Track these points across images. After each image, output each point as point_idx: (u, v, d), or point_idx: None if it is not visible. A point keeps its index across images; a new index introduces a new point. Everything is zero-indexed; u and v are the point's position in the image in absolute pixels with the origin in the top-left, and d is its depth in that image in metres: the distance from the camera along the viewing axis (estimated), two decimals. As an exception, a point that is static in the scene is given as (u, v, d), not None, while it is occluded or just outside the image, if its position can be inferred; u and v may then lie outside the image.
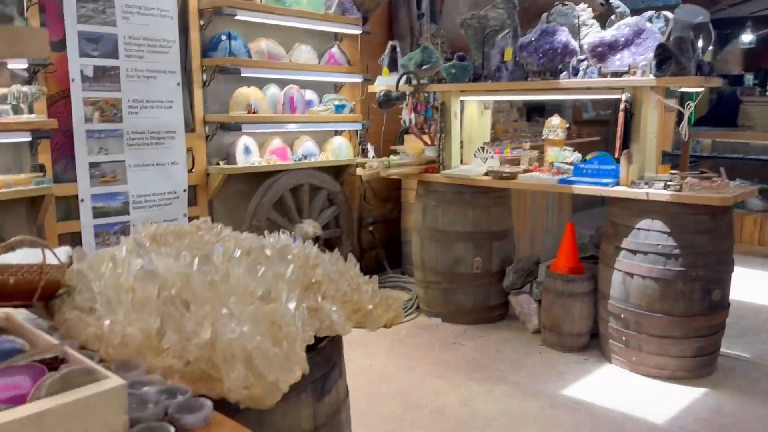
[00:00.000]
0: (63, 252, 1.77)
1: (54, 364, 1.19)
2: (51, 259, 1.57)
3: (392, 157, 5.17)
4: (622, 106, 4.00)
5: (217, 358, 1.35)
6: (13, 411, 0.98)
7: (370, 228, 6.16)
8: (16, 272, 1.49)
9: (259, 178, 5.06)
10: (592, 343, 4.45)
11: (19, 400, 1.06)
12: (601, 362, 4.26)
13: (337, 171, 5.75)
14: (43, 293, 1.55)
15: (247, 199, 5.08)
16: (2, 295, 1.48)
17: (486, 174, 4.65)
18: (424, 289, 5.13)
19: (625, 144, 4.05)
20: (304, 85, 5.41)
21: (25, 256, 1.77)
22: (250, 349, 1.36)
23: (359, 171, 5.21)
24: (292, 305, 1.57)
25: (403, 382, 4.07)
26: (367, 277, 1.99)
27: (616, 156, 4.08)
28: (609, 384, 3.95)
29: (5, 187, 3.73)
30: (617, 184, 4.10)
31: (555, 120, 4.69)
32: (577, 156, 4.64)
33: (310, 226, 5.38)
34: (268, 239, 2.17)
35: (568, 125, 4.77)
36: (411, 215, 5.62)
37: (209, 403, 1.21)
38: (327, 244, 5.68)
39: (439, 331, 4.89)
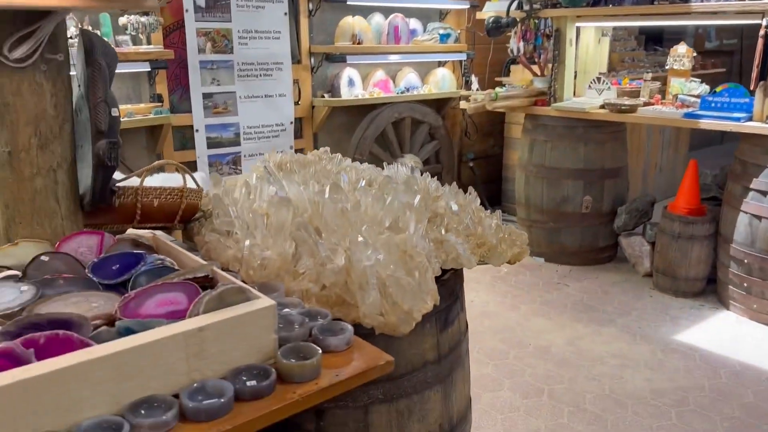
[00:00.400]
0: (198, 177, 1.83)
1: (204, 282, 1.24)
2: (190, 184, 1.62)
3: (498, 89, 4.98)
4: (762, 32, 3.62)
5: (352, 285, 1.36)
6: (178, 324, 1.03)
7: (470, 164, 6.05)
8: (159, 195, 1.54)
9: (362, 110, 5.04)
10: (708, 288, 4.23)
11: (176, 315, 1.10)
12: (717, 309, 4.05)
13: (439, 104, 5.63)
14: (183, 216, 1.61)
15: (351, 132, 5.09)
16: (146, 217, 1.55)
17: (602, 107, 4.40)
18: (527, 228, 5.01)
19: (763, 75, 3.69)
20: (408, 13, 5.27)
21: (162, 181, 1.85)
22: (384, 277, 1.36)
23: (463, 104, 5.07)
24: (421, 235, 1.56)
25: (505, 320, 4.05)
26: (488, 211, 1.94)
27: (752, 88, 3.73)
28: (726, 331, 3.76)
29: (126, 117, 3.91)
30: (750, 119, 3.76)
31: (681, 48, 4.33)
32: (704, 88, 4.28)
33: (410, 161, 5.34)
34: (387, 170, 2.15)
35: (695, 54, 4.39)
36: (515, 151, 5.46)
37: (350, 328, 1.22)
38: (428, 178, 5.65)
39: (542, 270, 4.80)
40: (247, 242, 1.47)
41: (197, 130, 4.43)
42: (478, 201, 1.96)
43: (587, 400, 3.17)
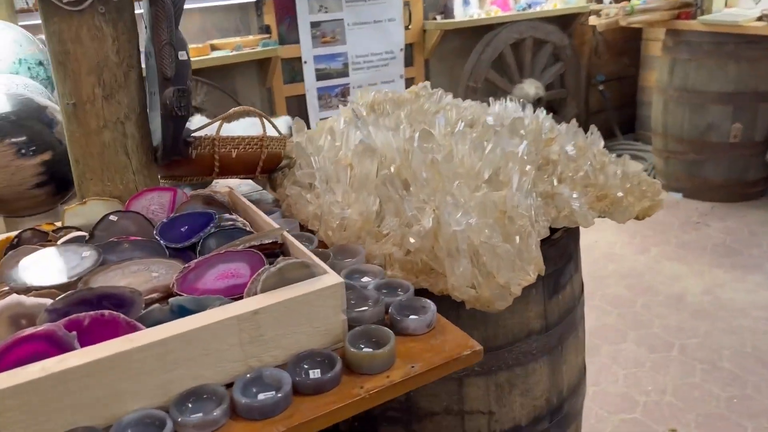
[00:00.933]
0: (284, 122, 1.70)
1: (272, 248, 1.11)
2: (271, 131, 1.49)
3: (634, 1, 4.40)
4: None
5: (440, 251, 1.18)
6: (232, 307, 0.91)
7: (600, 87, 5.51)
8: (238, 145, 1.42)
9: (477, 32, 4.68)
10: None
11: (237, 289, 0.99)
12: None
13: (565, 21, 5.11)
14: (264, 166, 1.49)
15: (464, 57, 4.76)
16: (226, 168, 1.44)
17: (759, 19, 3.75)
18: (664, 160, 4.51)
19: None
20: None
21: (245, 128, 1.73)
22: (477, 244, 1.16)
23: (592, 20, 4.55)
24: (525, 191, 1.33)
25: (633, 263, 3.70)
26: (614, 155, 1.65)
27: None
28: None
29: (235, 50, 3.85)
30: None
31: None
32: None
33: (531, 87, 4.94)
34: (493, 107, 1.90)
35: None
36: (652, 72, 4.87)
37: (433, 307, 1.04)
38: (549, 106, 5.22)
39: (680, 208, 4.32)
40: (327, 198, 1.32)
41: (305, 62, 4.31)
42: (601, 143, 1.67)
43: (724, 357, 2.84)
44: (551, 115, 1.86)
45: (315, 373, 0.92)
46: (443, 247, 1.17)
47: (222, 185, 1.61)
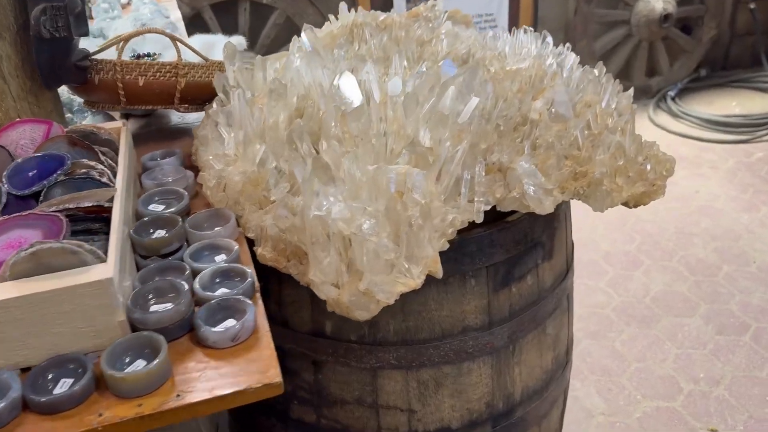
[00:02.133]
0: (235, 42, 1.47)
1: (99, 212, 0.94)
2: (193, 58, 1.28)
3: None
4: None
5: (304, 236, 0.95)
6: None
7: (751, 5, 4.58)
8: (145, 71, 1.24)
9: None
10: None
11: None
12: None
13: None
14: (185, 97, 1.29)
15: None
16: (133, 98, 1.27)
17: None
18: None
19: None
20: None
21: (202, 45, 1.52)
22: (348, 234, 0.91)
23: None
24: (456, 163, 1.04)
25: (732, 222, 3.15)
26: (626, 117, 1.27)
27: None
28: None
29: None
30: None
31: None
32: None
33: (659, 0, 4.21)
34: (504, 39, 1.54)
35: None
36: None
37: (251, 314, 0.84)
38: (682, 26, 4.45)
39: (815, 161, 3.60)
40: (213, 148, 1.11)
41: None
42: (620, 88, 1.29)
43: (807, 356, 2.36)
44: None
45: (64, 384, 0.76)
46: (307, 233, 0.94)
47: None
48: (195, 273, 0.92)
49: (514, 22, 4.19)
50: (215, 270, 0.92)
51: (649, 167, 1.18)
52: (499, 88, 1.27)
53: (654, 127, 4.25)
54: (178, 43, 1.25)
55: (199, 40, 1.48)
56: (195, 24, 3.67)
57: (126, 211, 0.97)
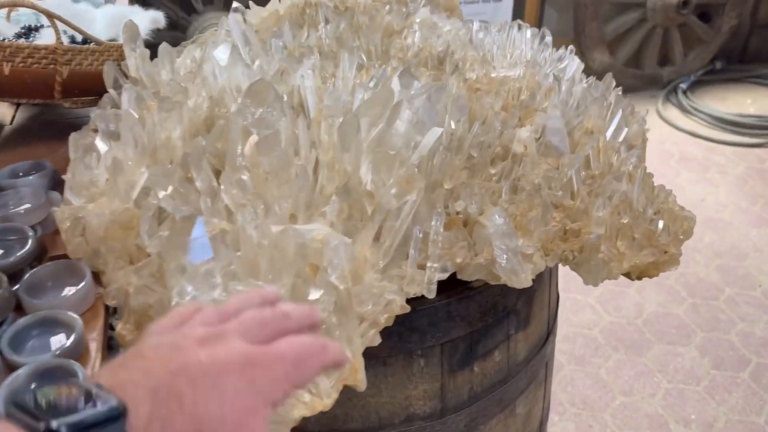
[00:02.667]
0: (146, 19, 1.16)
1: None
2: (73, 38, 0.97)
3: None
4: None
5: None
6: None
7: (777, -7, 4.23)
8: (12, 57, 0.94)
9: None
10: None
11: None
12: None
13: None
14: (69, 90, 0.99)
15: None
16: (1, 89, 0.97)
17: None
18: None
19: None
20: None
21: (111, 19, 1.21)
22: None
23: None
24: (403, 218, 0.75)
25: (740, 238, 2.88)
26: (635, 153, 0.98)
27: None
28: None
29: None
30: None
31: None
32: None
33: (679, -18, 3.86)
34: (493, 34, 1.23)
35: None
36: None
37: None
38: (700, 13, 4.10)
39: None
40: (77, 173, 0.82)
41: None
42: (613, 126, 1.00)
43: (813, 403, 2.12)
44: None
45: None
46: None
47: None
48: (11, 368, 0.65)
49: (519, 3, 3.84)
50: (34, 370, 0.64)
51: (661, 226, 0.90)
52: (478, 106, 0.98)
53: (661, 123, 3.95)
54: (59, 22, 0.95)
55: (107, 13, 1.17)
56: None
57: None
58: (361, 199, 0.77)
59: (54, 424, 0.36)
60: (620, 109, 1.02)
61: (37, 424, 0.36)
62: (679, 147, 3.66)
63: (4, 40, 1.02)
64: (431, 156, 0.86)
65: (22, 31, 1.09)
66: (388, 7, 1.25)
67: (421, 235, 0.80)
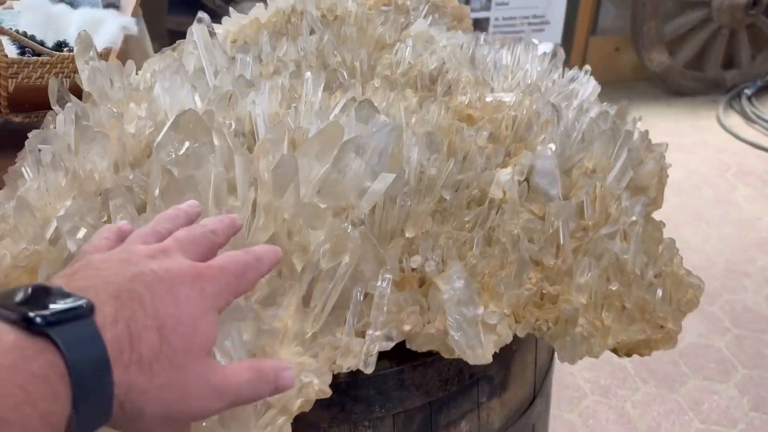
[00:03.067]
0: (119, 24, 1.07)
1: None
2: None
3: None
4: None
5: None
6: None
7: None
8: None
9: None
10: None
11: None
12: None
13: None
14: (24, 104, 0.92)
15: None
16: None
17: None
18: None
19: None
20: None
21: (88, 23, 1.13)
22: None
23: None
24: (317, 282, 0.65)
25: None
26: (640, 207, 0.84)
27: None
28: None
29: None
30: None
31: None
32: None
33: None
34: (495, 51, 1.10)
35: None
36: None
37: None
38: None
39: None
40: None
41: None
42: (617, 167, 0.86)
43: None
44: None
45: None
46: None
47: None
48: None
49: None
50: None
51: (660, 294, 0.76)
52: (457, 138, 0.86)
53: (721, 130, 3.67)
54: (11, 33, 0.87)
55: (83, 16, 1.10)
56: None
57: None
58: (291, 254, 0.67)
59: (31, 314, 0.38)
60: (626, 148, 0.87)
61: (12, 314, 0.39)
62: (738, 158, 3.39)
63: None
64: (392, 201, 0.75)
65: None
66: (384, 17, 1.13)
67: (362, 298, 0.69)
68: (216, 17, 3.41)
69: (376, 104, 0.82)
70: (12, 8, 1.28)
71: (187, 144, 0.70)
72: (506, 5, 3.80)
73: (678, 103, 3.93)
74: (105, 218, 0.72)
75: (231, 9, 1.21)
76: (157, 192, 0.68)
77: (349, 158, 0.71)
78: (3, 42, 0.90)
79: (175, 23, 3.20)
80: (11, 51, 0.92)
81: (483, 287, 0.74)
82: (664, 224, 0.89)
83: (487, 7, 3.63)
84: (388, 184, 0.71)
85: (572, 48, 3.80)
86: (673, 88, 3.94)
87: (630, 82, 3.98)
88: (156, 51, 1.18)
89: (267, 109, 0.82)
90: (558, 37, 3.77)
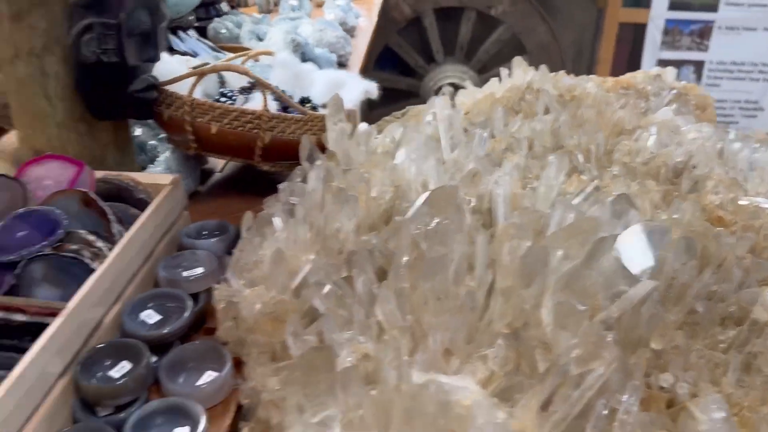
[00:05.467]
0: (362, 89, 1.12)
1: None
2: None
3: None
4: None
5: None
6: None
7: None
8: (221, 117, 0.96)
9: None
10: None
11: None
12: None
13: None
14: (269, 154, 0.99)
15: None
16: (205, 144, 1.01)
17: None
18: None
19: None
20: None
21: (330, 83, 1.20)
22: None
23: None
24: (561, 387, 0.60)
25: None
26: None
27: None
28: None
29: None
30: None
31: None
32: None
33: None
34: (751, 148, 1.00)
35: None
36: None
37: None
38: None
39: None
40: (246, 250, 0.79)
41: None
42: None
43: None
44: None
45: None
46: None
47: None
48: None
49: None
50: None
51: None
52: (713, 244, 0.77)
53: None
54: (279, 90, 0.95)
55: (326, 77, 1.17)
56: (412, 28, 3.43)
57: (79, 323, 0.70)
58: (534, 351, 0.63)
59: None
60: None
61: None
62: None
63: (218, 100, 1.06)
64: (638, 306, 0.69)
65: (248, 85, 1.13)
66: (623, 100, 1.08)
67: (606, 412, 0.63)
68: (416, 76, 3.54)
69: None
70: (258, 60, 1.39)
71: (437, 220, 0.69)
72: (717, 87, 3.57)
73: None
74: (345, 275, 0.74)
75: (468, 84, 1.21)
76: (403, 261, 0.68)
77: (603, 256, 0.66)
78: (267, 97, 0.98)
79: (378, 78, 3.38)
80: (272, 105, 1.01)
81: (741, 422, 0.65)
82: None
83: (697, 88, 3.42)
84: (643, 295, 0.65)
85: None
86: None
87: None
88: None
89: (507, 190, 0.80)
90: (771, 124, 3.46)
